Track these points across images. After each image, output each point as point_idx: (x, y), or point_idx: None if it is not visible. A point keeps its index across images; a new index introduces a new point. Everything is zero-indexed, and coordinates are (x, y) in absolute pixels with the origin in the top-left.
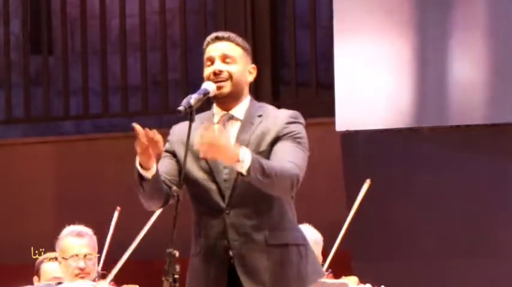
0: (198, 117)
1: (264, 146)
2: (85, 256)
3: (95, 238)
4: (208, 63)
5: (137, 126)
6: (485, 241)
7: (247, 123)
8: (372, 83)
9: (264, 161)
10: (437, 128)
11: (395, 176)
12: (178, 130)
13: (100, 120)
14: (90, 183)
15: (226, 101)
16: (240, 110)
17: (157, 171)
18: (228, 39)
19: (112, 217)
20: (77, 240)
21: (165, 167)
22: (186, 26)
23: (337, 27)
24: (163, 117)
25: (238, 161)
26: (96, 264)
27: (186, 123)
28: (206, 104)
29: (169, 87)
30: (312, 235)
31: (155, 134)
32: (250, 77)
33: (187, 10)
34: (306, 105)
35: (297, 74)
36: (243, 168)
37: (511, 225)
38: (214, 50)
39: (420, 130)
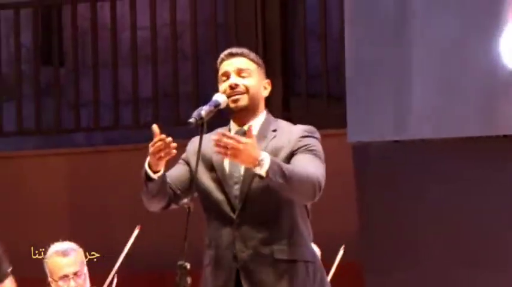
0: (215, 132)
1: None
2: (74, 273)
3: (80, 251)
4: (224, 78)
5: (156, 129)
6: (497, 253)
7: (260, 137)
8: (383, 93)
9: (284, 165)
10: (449, 140)
11: (407, 188)
12: (197, 141)
13: (111, 132)
14: (102, 195)
15: (243, 115)
16: (254, 125)
17: (164, 174)
18: (241, 54)
19: (123, 230)
20: (63, 259)
21: (176, 173)
22: (196, 38)
23: (348, 38)
24: (174, 130)
25: (257, 163)
26: (88, 277)
27: (207, 135)
28: (218, 117)
29: (180, 99)
30: None
31: (171, 141)
32: (265, 92)
33: (198, 22)
34: (317, 116)
35: (308, 85)
36: (262, 170)
37: None
38: (229, 65)
39: (433, 141)
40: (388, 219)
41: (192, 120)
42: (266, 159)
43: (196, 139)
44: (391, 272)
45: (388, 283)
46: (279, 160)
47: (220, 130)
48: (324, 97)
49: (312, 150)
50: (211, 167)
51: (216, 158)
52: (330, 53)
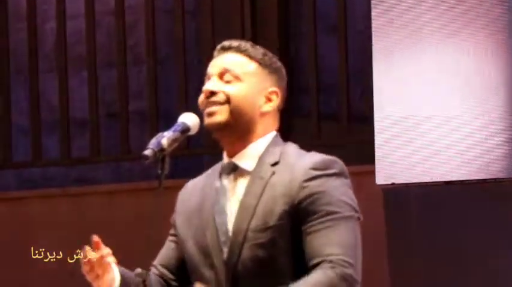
0: (212, 169)
1: (273, 220)
2: None
3: None
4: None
5: (95, 240)
6: None
7: (256, 178)
8: (428, 113)
9: None
10: None
11: (463, 249)
12: (191, 189)
13: (29, 171)
14: (18, 263)
15: (226, 137)
16: (248, 156)
17: (122, 280)
18: (237, 49)
19: None
20: None
21: (164, 254)
22: (154, 31)
23: (377, 30)
24: (123, 166)
25: None
26: None
27: (203, 177)
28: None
29: (130, 121)
30: None
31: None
32: (267, 107)
33: (157, 8)
34: (333, 147)
35: (320, 101)
36: None
37: None
38: (214, 66)
39: (504, 183)
40: None
41: (148, 152)
42: None
43: (189, 185)
44: None
45: None
46: (274, 218)
47: (218, 166)
48: (344, 118)
49: (327, 213)
50: (199, 230)
51: (202, 212)
52: (351, 52)
